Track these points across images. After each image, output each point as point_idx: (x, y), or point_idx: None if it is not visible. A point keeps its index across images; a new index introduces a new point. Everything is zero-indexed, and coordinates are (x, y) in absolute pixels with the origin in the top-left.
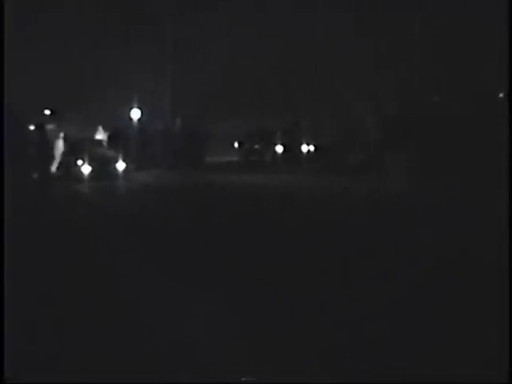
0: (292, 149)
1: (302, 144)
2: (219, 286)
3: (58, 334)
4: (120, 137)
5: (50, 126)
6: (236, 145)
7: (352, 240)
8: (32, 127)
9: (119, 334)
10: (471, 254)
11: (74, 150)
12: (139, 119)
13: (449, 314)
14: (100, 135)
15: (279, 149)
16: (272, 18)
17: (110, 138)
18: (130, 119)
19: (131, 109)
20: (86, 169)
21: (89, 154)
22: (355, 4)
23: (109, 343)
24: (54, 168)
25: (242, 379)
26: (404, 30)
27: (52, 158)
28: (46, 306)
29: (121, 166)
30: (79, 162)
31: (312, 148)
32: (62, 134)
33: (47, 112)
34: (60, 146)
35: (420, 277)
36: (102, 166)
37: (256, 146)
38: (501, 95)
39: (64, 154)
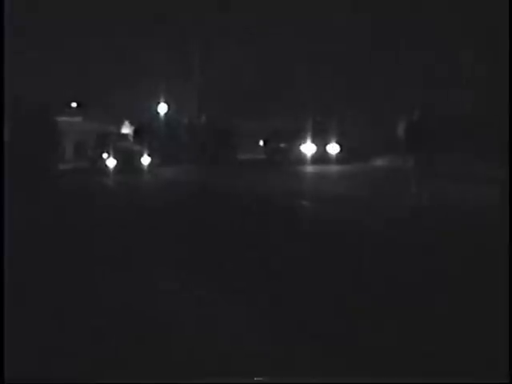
0: (318, 148)
1: (327, 144)
2: (239, 280)
3: (58, 334)
4: (146, 131)
5: (76, 119)
6: (261, 143)
7: (365, 242)
8: (59, 120)
9: (122, 332)
10: (473, 255)
11: (99, 144)
12: (165, 114)
13: (449, 315)
14: (126, 129)
15: (304, 148)
16: (300, 18)
17: (135, 132)
18: (157, 114)
19: (158, 103)
20: (111, 162)
21: (114, 148)
22: (376, 5)
23: (111, 343)
24: (79, 160)
25: (255, 379)
26: (427, 34)
27: (78, 150)
28: (47, 305)
29: (146, 160)
30: (104, 156)
31: (338, 148)
32: (88, 127)
33: (74, 105)
34: (86, 138)
35: (421, 277)
36: (127, 160)
37: (281, 145)
38: None
39: (90, 146)
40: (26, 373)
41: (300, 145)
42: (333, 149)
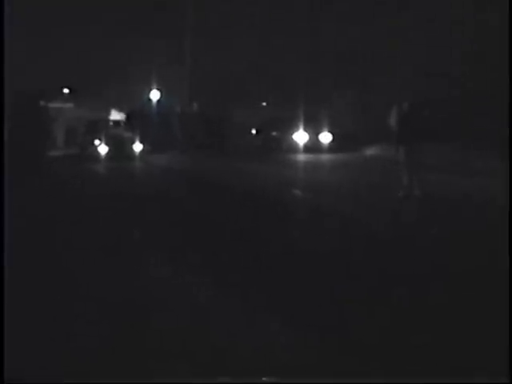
0: (310, 137)
1: (320, 133)
2: (232, 270)
3: (58, 334)
4: (137, 118)
5: (68, 105)
6: (254, 131)
7: (359, 233)
8: (50, 106)
9: (123, 331)
10: (475, 254)
11: (91, 130)
12: (157, 101)
13: (449, 314)
14: (118, 116)
15: (297, 137)
16: (295, 7)
17: (127, 118)
18: (149, 100)
19: (150, 90)
20: (103, 149)
21: (106, 135)
22: None
23: (112, 342)
24: (70, 147)
25: (263, 379)
26: (424, 24)
27: (69, 136)
28: (47, 304)
29: (137, 147)
30: (96, 142)
31: (330, 137)
32: (79, 113)
33: (66, 91)
34: (77, 125)
35: (421, 276)
36: (119, 147)
37: (274, 134)
38: None
39: (81, 133)
40: (26, 373)
41: (292, 133)
42: (325, 138)
